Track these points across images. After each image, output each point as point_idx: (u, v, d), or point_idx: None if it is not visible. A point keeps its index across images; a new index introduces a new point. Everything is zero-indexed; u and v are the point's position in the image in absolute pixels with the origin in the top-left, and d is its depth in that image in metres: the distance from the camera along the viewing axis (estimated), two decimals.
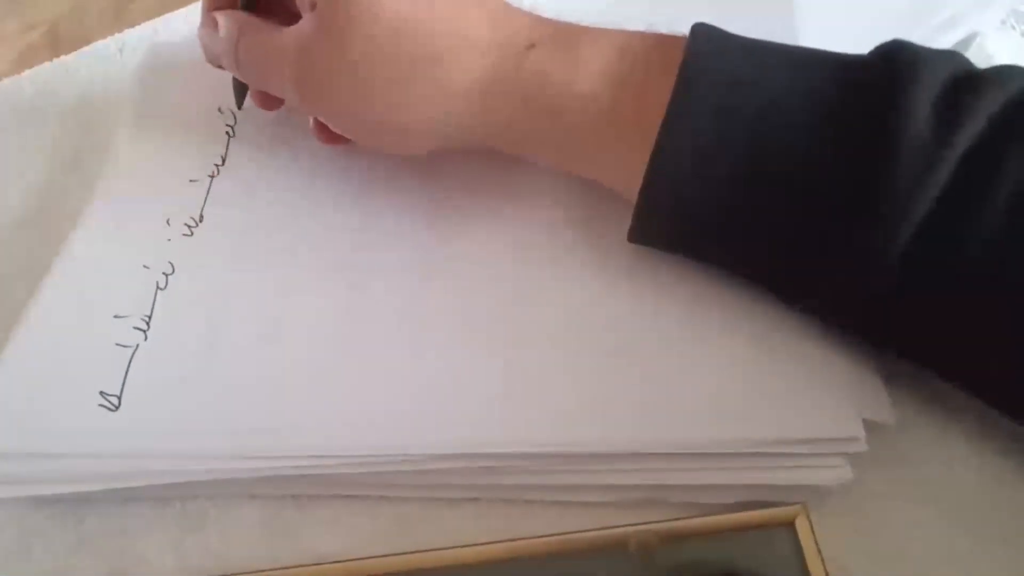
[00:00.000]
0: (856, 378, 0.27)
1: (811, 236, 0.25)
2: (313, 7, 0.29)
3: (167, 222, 0.33)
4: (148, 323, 0.30)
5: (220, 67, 0.34)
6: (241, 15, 0.32)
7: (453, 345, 0.29)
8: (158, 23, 0.45)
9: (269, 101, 0.35)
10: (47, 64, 0.44)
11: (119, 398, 0.28)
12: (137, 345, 0.29)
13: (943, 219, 0.23)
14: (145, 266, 0.31)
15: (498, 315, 0.30)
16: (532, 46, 0.28)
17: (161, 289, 0.31)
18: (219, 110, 0.37)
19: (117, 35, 0.44)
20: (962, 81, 0.24)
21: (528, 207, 0.33)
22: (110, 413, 0.27)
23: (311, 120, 0.34)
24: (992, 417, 0.27)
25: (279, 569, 0.26)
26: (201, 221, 0.33)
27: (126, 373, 0.28)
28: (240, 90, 0.35)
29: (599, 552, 0.26)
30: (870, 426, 0.26)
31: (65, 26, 0.51)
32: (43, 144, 0.40)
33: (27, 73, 0.44)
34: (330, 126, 0.32)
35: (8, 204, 0.38)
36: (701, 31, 0.27)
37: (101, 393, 0.28)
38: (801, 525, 0.25)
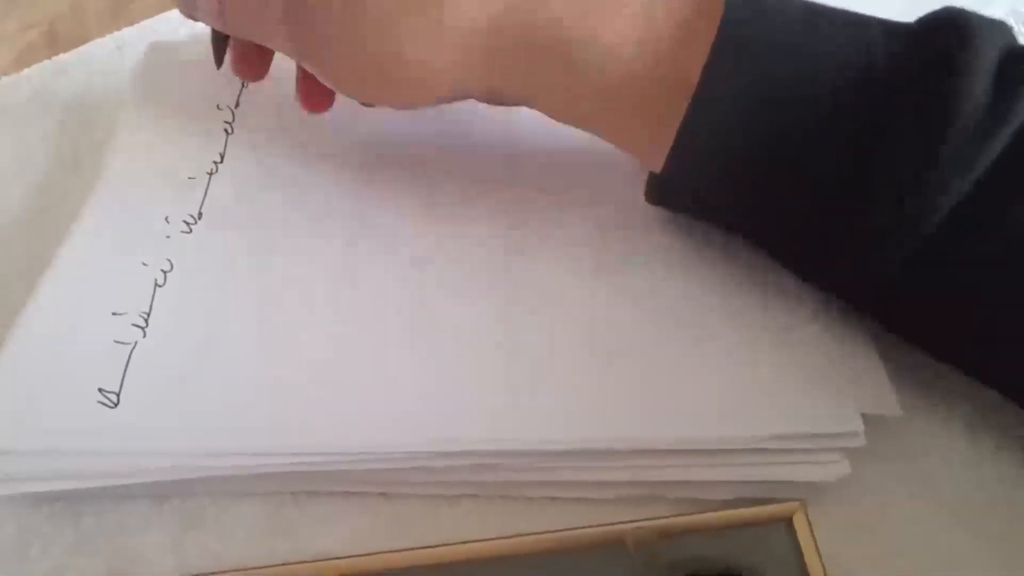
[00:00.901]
0: (856, 371, 0.27)
1: (852, 200, 0.24)
2: None
3: (166, 219, 0.33)
4: (147, 320, 0.30)
5: (194, 18, 0.32)
6: None
7: (452, 342, 0.29)
8: (157, 21, 0.45)
9: (247, 63, 0.33)
10: (45, 63, 0.44)
11: (118, 395, 0.28)
12: (136, 342, 0.29)
13: (990, 193, 0.23)
14: (144, 263, 0.31)
15: (497, 312, 0.30)
16: None
17: (160, 286, 0.31)
18: (217, 107, 0.37)
19: (116, 33, 0.44)
20: (1015, 53, 0.24)
21: (528, 205, 0.33)
22: (109, 410, 0.27)
23: (296, 85, 0.33)
24: (991, 413, 0.28)
25: (278, 566, 0.26)
26: (200, 218, 0.33)
27: (125, 370, 0.28)
28: (219, 45, 0.33)
29: (597, 549, 0.26)
30: (868, 421, 0.26)
31: (63, 25, 0.51)
32: (41, 143, 0.40)
33: (25, 72, 0.43)
34: (324, 79, 0.30)
35: (6, 203, 0.38)
36: None
37: (100, 390, 0.28)
38: (799, 521, 0.25)
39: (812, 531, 0.25)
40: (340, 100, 0.33)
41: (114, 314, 0.30)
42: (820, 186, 0.25)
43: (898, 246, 0.24)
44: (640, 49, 0.25)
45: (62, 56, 0.44)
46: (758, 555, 0.25)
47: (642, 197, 0.31)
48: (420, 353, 0.29)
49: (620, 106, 0.27)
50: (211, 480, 0.27)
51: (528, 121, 0.31)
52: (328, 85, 0.30)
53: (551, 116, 0.29)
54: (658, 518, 0.26)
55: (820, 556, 0.25)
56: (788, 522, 0.25)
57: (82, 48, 0.44)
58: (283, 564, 0.26)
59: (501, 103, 0.30)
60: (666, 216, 0.32)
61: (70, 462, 0.27)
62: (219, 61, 0.34)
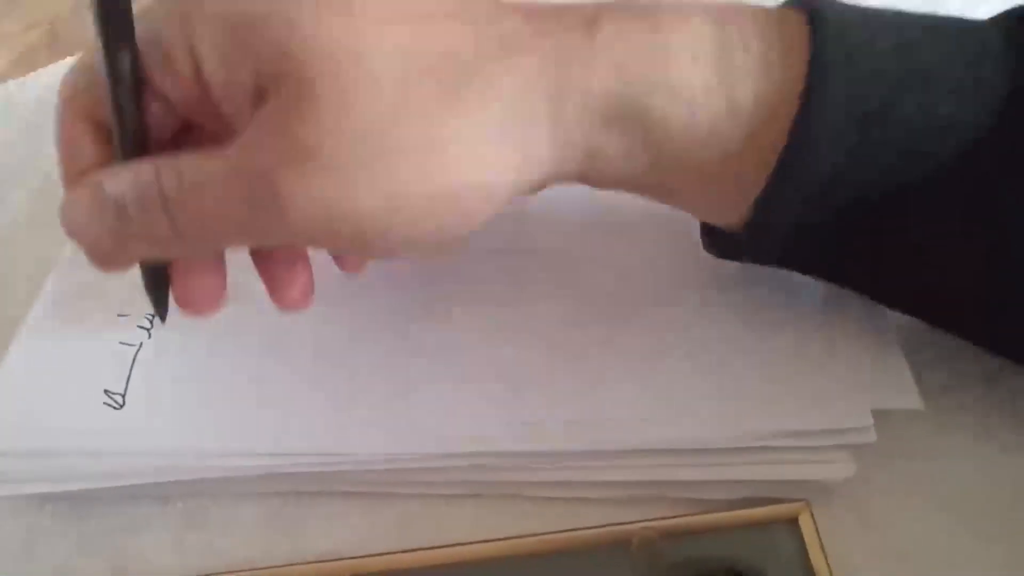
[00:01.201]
0: (874, 366, 0.27)
1: (952, 243, 0.22)
2: (257, 99, 0.20)
3: None
4: (152, 322, 0.30)
5: (117, 269, 0.24)
6: (144, 160, 0.21)
7: (454, 342, 0.29)
8: None
9: (204, 293, 0.25)
10: (50, 66, 0.44)
11: (123, 396, 0.28)
12: (141, 344, 0.29)
13: None
14: None
15: (499, 311, 0.30)
16: (594, 22, 0.21)
17: None
18: None
19: None
20: None
21: (533, 205, 0.33)
22: (114, 411, 0.27)
23: (266, 287, 0.26)
24: (998, 414, 0.28)
25: (280, 567, 0.26)
26: None
27: (130, 371, 0.28)
28: (159, 284, 0.24)
29: (602, 549, 0.26)
30: (874, 421, 0.26)
31: (64, 26, 0.51)
32: (44, 146, 0.40)
33: (31, 75, 0.44)
34: (361, 252, 0.25)
35: (11, 205, 0.38)
36: (820, 11, 0.21)
37: (105, 391, 0.28)
38: (804, 521, 0.25)
39: (818, 531, 0.25)
40: None
41: (119, 316, 0.30)
42: (929, 250, 0.23)
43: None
44: (719, 90, 0.21)
45: (68, 59, 0.44)
46: (763, 555, 0.25)
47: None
48: (421, 354, 0.29)
49: (690, 163, 0.23)
50: (214, 481, 0.27)
51: None
52: (359, 254, 0.25)
53: (603, 185, 0.25)
54: (662, 518, 0.26)
55: (826, 556, 0.25)
56: (793, 522, 0.25)
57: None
58: (285, 565, 0.26)
59: (540, 188, 0.25)
60: (675, 214, 0.32)
61: (76, 463, 0.27)
62: (164, 310, 0.25)
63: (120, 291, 0.30)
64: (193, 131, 0.23)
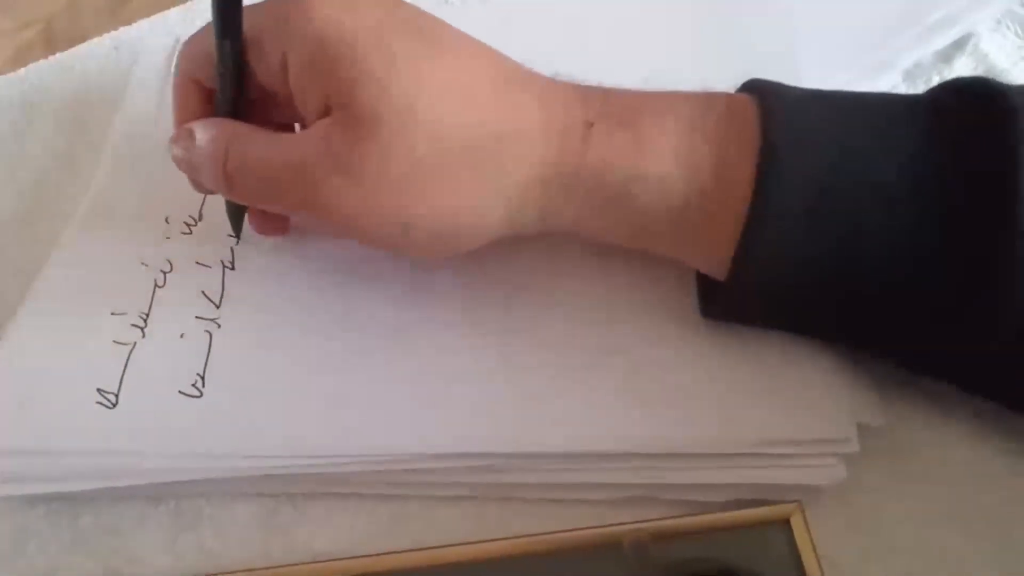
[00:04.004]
0: (849, 380, 0.27)
1: (919, 315, 0.24)
2: (324, 113, 0.25)
3: (166, 220, 0.33)
4: (146, 321, 0.30)
5: (203, 191, 0.30)
6: (228, 123, 0.27)
7: (449, 345, 0.29)
8: (154, 21, 0.45)
9: (271, 225, 0.31)
10: (42, 62, 0.43)
11: (116, 396, 0.28)
12: (135, 343, 0.29)
13: None
14: (143, 264, 0.31)
15: (494, 314, 0.30)
16: (591, 124, 0.26)
17: (159, 287, 0.31)
18: None
19: (113, 33, 0.44)
20: None
21: None
22: (108, 411, 0.27)
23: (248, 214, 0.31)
24: (987, 415, 0.28)
25: (274, 567, 0.26)
26: (200, 220, 0.33)
27: (124, 371, 0.28)
28: (236, 213, 0.31)
29: (594, 550, 0.26)
30: (864, 425, 0.26)
31: (60, 24, 0.51)
32: (38, 142, 0.40)
33: (22, 71, 0.43)
34: (362, 242, 0.28)
35: (2, 202, 0.38)
36: (763, 90, 0.26)
37: (99, 390, 0.28)
38: (796, 523, 0.25)
39: (809, 532, 0.25)
40: None
41: (113, 314, 0.30)
42: (885, 302, 0.25)
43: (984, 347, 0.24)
44: (686, 177, 0.25)
45: (59, 55, 0.44)
46: (755, 557, 0.25)
47: None
48: (416, 356, 0.29)
49: (673, 230, 0.26)
50: (208, 481, 0.27)
51: None
52: (365, 245, 0.29)
53: (596, 241, 0.29)
54: (655, 520, 0.26)
55: (817, 557, 0.25)
56: (785, 523, 0.25)
57: (79, 47, 0.44)
58: (279, 565, 0.26)
59: (545, 234, 0.29)
60: None
61: (69, 463, 0.27)
62: (238, 232, 0.32)
63: (113, 289, 0.30)
64: (275, 100, 0.28)
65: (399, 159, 0.24)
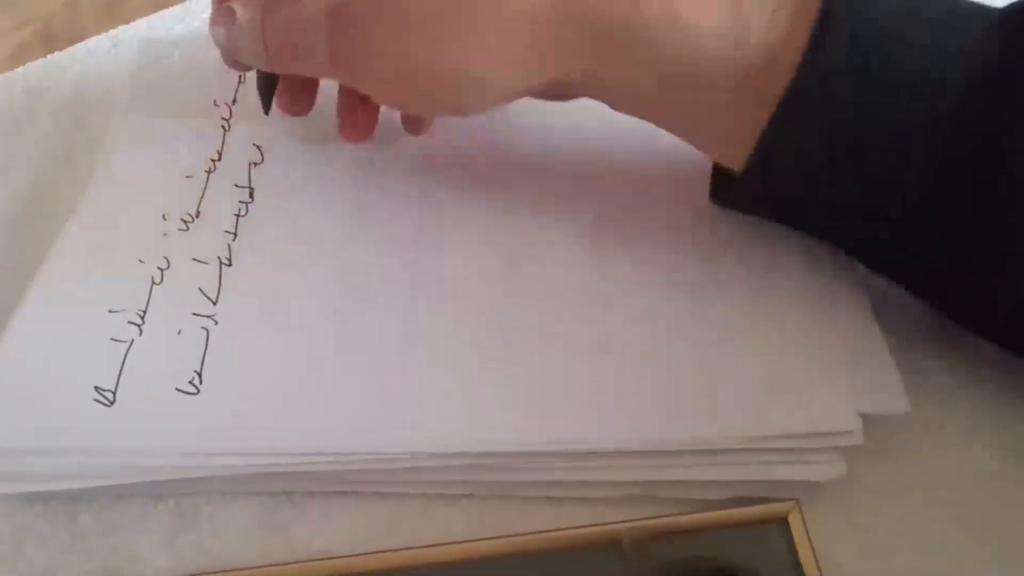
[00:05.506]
0: (863, 369, 0.27)
1: (941, 208, 0.24)
2: None
3: (163, 217, 0.33)
4: (143, 318, 0.30)
5: (240, 68, 0.32)
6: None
7: (447, 342, 0.29)
8: (152, 19, 0.45)
9: (298, 100, 0.33)
10: (40, 60, 0.43)
11: (114, 393, 0.28)
12: (132, 340, 0.29)
13: None
14: (140, 261, 0.31)
15: (493, 312, 0.30)
16: None
17: (156, 284, 0.31)
18: (214, 103, 0.37)
19: (111, 31, 0.44)
20: None
21: (526, 207, 0.33)
22: (105, 408, 0.27)
23: (338, 116, 0.33)
24: (987, 412, 0.28)
25: (273, 566, 0.26)
26: (197, 216, 0.33)
27: (121, 368, 0.28)
28: (268, 89, 0.33)
29: (592, 548, 0.26)
30: (864, 421, 0.26)
31: (58, 22, 0.51)
32: (36, 141, 0.40)
33: (20, 70, 0.43)
34: (379, 99, 0.29)
35: (0, 200, 0.38)
36: None
37: (96, 388, 0.28)
38: (794, 520, 0.25)
39: (807, 530, 0.25)
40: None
41: (110, 312, 0.30)
42: (921, 188, 0.24)
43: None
44: (725, 30, 0.24)
45: (57, 54, 0.44)
46: (753, 555, 0.25)
47: (639, 197, 0.31)
48: (414, 354, 0.29)
49: (697, 95, 0.25)
50: (206, 479, 0.27)
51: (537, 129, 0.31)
52: (384, 104, 0.30)
53: (616, 106, 0.28)
54: (653, 518, 0.26)
55: (815, 555, 0.25)
56: (783, 521, 0.26)
57: (77, 46, 0.44)
58: (278, 564, 0.26)
59: (560, 98, 0.28)
60: (661, 215, 0.32)
61: (66, 462, 0.27)
62: (267, 106, 0.34)
63: (110, 287, 0.30)
64: None
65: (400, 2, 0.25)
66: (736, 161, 0.26)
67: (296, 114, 0.34)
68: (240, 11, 0.29)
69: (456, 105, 0.28)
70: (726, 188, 0.28)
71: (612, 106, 0.28)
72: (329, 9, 0.27)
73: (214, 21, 0.30)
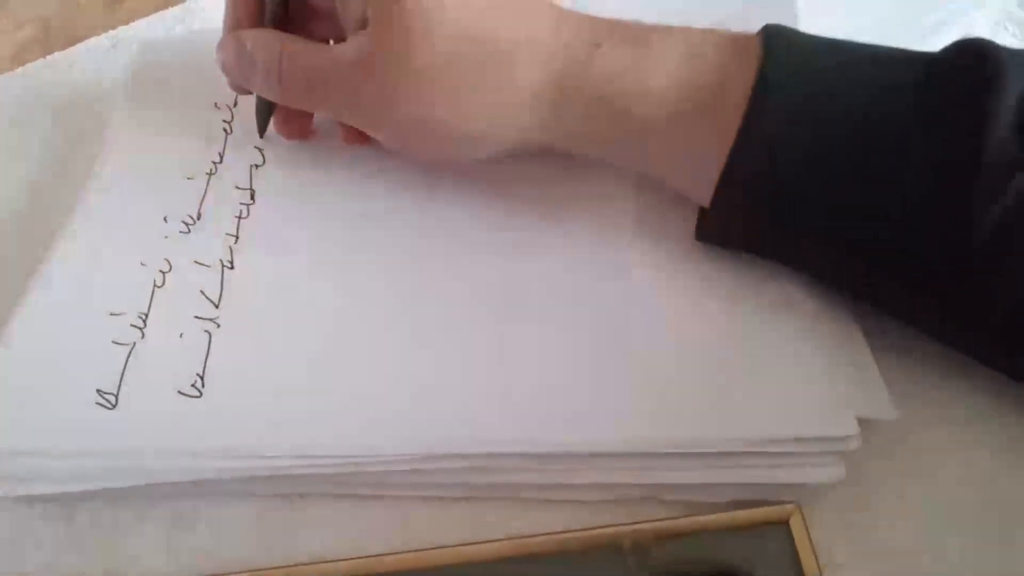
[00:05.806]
0: (852, 376, 0.27)
1: (894, 231, 0.26)
2: (362, 25, 0.28)
3: (164, 219, 0.33)
4: (145, 321, 0.30)
5: (244, 93, 0.33)
6: (279, 34, 0.31)
7: (448, 344, 0.29)
8: (151, 19, 0.45)
9: (295, 127, 0.35)
10: (39, 60, 0.43)
11: (116, 396, 0.28)
12: (134, 343, 0.29)
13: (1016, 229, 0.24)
14: (142, 263, 0.31)
15: (493, 314, 0.30)
16: (599, 45, 0.28)
17: (158, 287, 0.31)
18: (215, 106, 0.37)
19: (110, 31, 0.44)
20: None
21: (525, 209, 0.33)
22: (107, 411, 0.27)
23: (340, 128, 0.34)
24: (986, 415, 0.28)
25: (271, 568, 0.26)
26: (199, 218, 0.33)
27: (123, 371, 0.28)
28: (264, 114, 0.34)
29: (594, 551, 0.26)
30: (863, 424, 0.26)
31: (58, 22, 0.51)
32: (35, 141, 0.40)
33: (20, 70, 0.43)
34: (385, 141, 0.31)
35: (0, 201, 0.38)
36: (774, 29, 0.27)
37: (98, 391, 0.28)
38: (795, 523, 0.25)
39: (808, 533, 0.25)
40: None
41: (112, 314, 0.30)
42: (859, 223, 0.26)
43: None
44: (686, 96, 0.27)
45: (56, 54, 0.44)
46: (754, 557, 0.25)
47: (640, 202, 0.31)
48: (414, 355, 0.29)
49: (667, 147, 0.28)
50: (205, 481, 0.27)
51: None
52: (390, 148, 0.31)
53: (599, 160, 0.31)
54: (654, 520, 0.26)
55: (816, 558, 0.25)
56: (784, 524, 0.26)
57: (77, 46, 0.44)
58: (276, 567, 0.26)
59: (548, 152, 0.31)
60: (662, 220, 0.32)
61: (68, 463, 0.27)
62: (263, 129, 0.35)
63: (112, 289, 0.30)
64: (316, 15, 0.33)
65: (421, 56, 0.27)
66: (706, 199, 0.28)
67: (295, 138, 0.35)
68: (254, 42, 0.30)
69: (457, 155, 0.31)
70: (702, 223, 0.30)
71: (598, 160, 0.31)
72: (357, 59, 0.28)
73: (223, 48, 0.32)
